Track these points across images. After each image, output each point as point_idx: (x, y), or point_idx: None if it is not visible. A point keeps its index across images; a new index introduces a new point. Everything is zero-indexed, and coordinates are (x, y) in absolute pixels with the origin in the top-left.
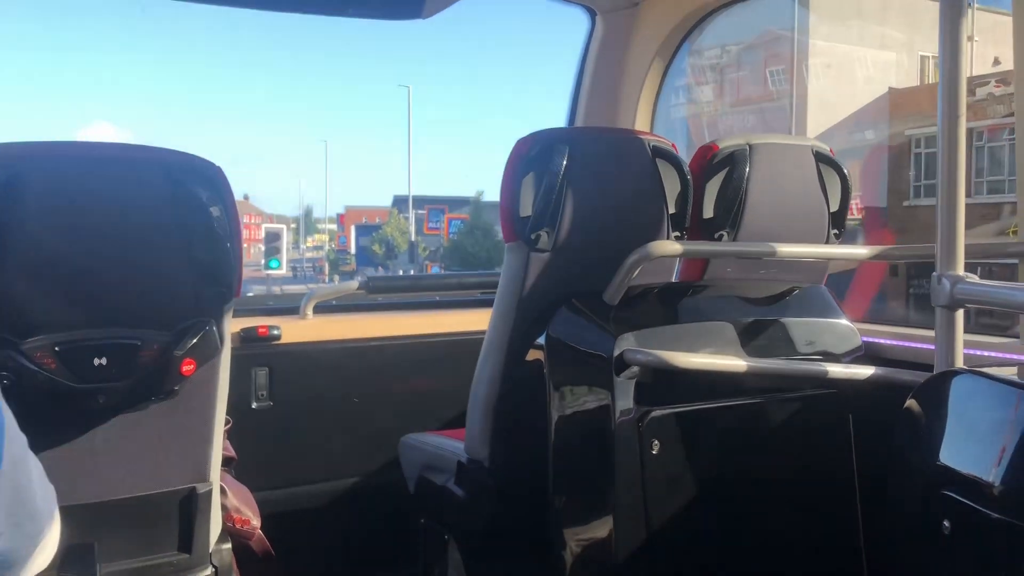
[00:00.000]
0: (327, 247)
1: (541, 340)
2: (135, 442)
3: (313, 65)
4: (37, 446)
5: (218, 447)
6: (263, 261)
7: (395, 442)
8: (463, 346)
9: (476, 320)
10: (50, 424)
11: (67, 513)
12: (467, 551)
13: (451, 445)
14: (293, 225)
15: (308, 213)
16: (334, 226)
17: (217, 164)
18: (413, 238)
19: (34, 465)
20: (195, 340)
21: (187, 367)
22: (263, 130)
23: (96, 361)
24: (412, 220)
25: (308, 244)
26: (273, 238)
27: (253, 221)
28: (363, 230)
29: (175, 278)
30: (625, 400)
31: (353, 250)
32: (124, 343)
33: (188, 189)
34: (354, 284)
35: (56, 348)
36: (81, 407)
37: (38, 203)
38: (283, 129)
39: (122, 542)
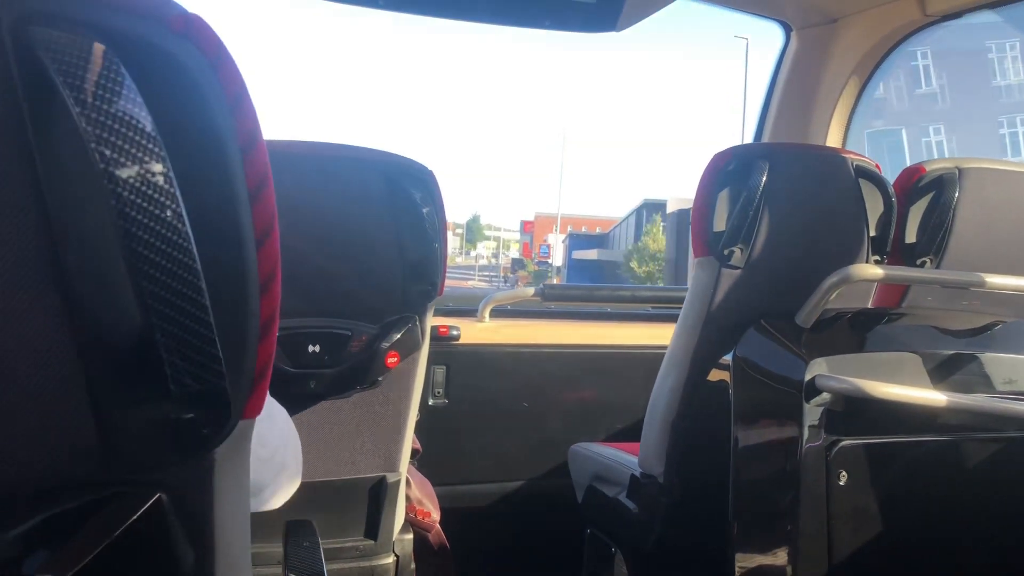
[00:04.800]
0: (502, 255)
1: (727, 359)
2: (335, 429)
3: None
4: None
5: (408, 439)
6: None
7: (563, 449)
8: (635, 359)
9: (649, 334)
10: None
11: None
12: (634, 566)
13: (623, 457)
14: (459, 231)
15: (475, 219)
16: (509, 235)
17: (430, 167)
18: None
19: (275, 412)
20: (400, 334)
21: (391, 359)
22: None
23: (310, 348)
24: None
25: (485, 249)
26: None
27: None
28: (579, 241)
29: (386, 274)
30: (814, 427)
31: (557, 262)
32: (336, 332)
33: (403, 189)
34: (530, 291)
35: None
36: (293, 391)
37: None
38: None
39: (316, 523)
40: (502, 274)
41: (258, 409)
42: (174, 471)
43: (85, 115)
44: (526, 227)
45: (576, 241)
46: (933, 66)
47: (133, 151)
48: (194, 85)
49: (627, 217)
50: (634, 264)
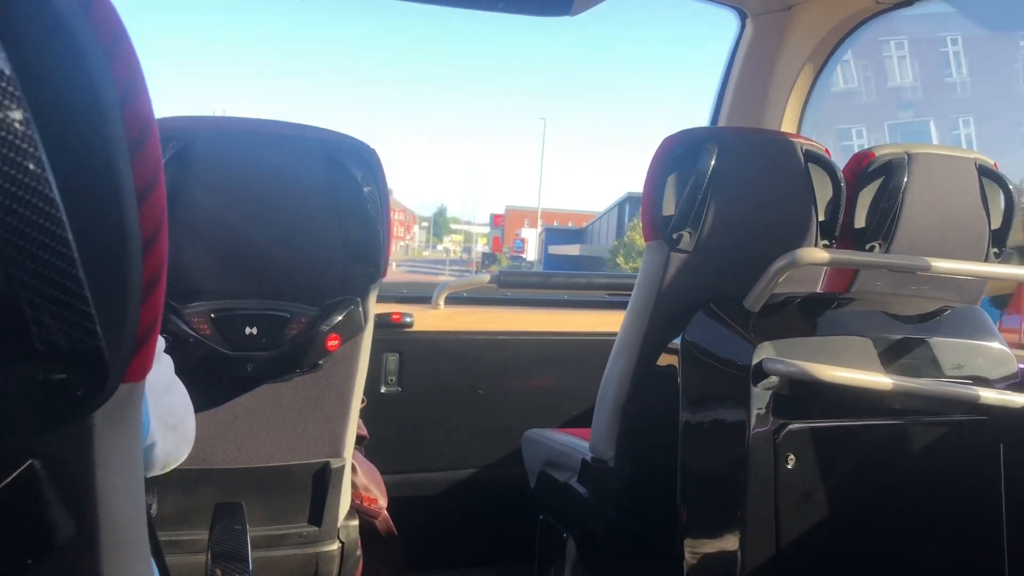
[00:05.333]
0: (474, 249)
1: (675, 343)
2: (276, 413)
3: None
4: None
5: (353, 425)
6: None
7: (517, 436)
8: (589, 346)
9: (603, 321)
10: (199, 390)
11: (208, 476)
12: (585, 551)
13: (575, 443)
14: (425, 224)
15: (442, 212)
16: (477, 228)
17: (372, 146)
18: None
19: (163, 362)
20: (341, 317)
21: (332, 342)
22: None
23: (248, 330)
24: None
25: (451, 244)
26: None
27: (397, 217)
28: (556, 235)
29: (326, 255)
30: (761, 411)
31: (531, 256)
32: (274, 314)
33: (344, 168)
34: (485, 277)
35: (212, 315)
36: (230, 374)
37: (205, 174)
38: (417, 125)
39: (256, 509)
40: (474, 269)
41: (143, 372)
42: (49, 436)
43: None
44: (496, 221)
45: (553, 235)
46: (963, 53)
47: None
48: (61, 27)
49: (608, 211)
50: (620, 260)
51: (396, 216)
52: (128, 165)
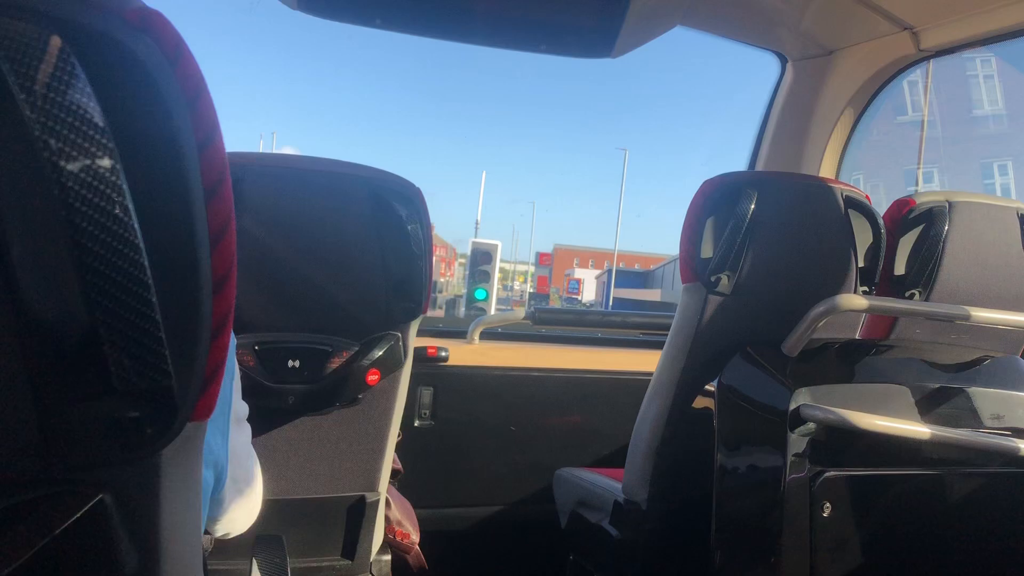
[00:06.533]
0: (517, 287)
1: (711, 386)
2: (314, 446)
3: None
4: None
5: (389, 459)
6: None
7: (548, 473)
8: (622, 385)
9: (637, 360)
10: None
11: None
12: None
13: (607, 483)
14: (462, 260)
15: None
16: (520, 267)
17: (417, 186)
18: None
19: (247, 431)
20: (382, 352)
21: (372, 377)
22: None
23: (290, 363)
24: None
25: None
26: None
27: (438, 254)
28: (627, 278)
29: (370, 291)
30: (798, 458)
31: (588, 298)
32: (317, 348)
33: (389, 206)
34: (520, 313)
35: (256, 347)
36: (272, 405)
37: (255, 208)
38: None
39: (292, 541)
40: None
41: (208, 412)
42: (118, 471)
43: (31, 103)
44: (542, 259)
45: (625, 278)
46: None
47: (81, 143)
48: (149, 80)
49: None
50: None
51: (437, 252)
52: (203, 211)
